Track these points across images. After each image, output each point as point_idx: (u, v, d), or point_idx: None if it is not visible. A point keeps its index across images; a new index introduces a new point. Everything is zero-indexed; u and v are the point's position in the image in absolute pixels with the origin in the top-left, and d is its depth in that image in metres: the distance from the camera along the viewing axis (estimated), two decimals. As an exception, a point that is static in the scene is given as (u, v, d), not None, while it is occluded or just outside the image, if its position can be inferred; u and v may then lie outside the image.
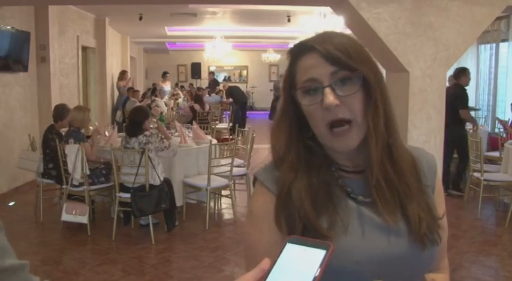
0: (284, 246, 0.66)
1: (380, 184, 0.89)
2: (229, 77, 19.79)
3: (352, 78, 0.86)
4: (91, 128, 5.62)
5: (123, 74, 10.53)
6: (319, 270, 0.61)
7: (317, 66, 0.87)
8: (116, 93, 10.51)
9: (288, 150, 0.93)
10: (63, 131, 5.03)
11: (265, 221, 0.91)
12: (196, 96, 10.60)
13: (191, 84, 16.37)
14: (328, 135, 0.88)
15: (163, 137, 4.58)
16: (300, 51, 0.91)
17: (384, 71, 4.25)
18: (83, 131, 4.96)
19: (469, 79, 6.23)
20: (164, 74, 13.75)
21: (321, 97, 0.86)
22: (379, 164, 0.89)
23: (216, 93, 13.67)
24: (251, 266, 0.93)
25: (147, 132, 4.41)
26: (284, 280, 0.62)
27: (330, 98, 0.85)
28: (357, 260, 0.85)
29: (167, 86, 13.25)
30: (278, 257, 0.65)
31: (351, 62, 0.86)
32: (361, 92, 0.87)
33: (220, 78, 18.86)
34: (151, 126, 4.63)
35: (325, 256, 0.63)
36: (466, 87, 6.19)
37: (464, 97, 6.05)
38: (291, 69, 0.92)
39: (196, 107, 9.94)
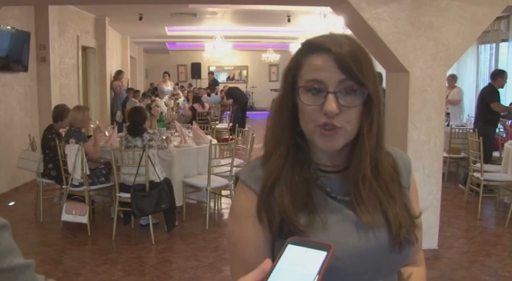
0: (285, 247, 0.66)
1: (361, 193, 0.91)
2: (232, 77, 19.74)
3: (356, 91, 0.87)
4: (92, 126, 5.62)
5: (118, 74, 10.53)
6: (320, 271, 0.61)
7: (327, 70, 0.87)
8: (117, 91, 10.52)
9: (279, 144, 0.94)
10: (63, 131, 5.03)
11: (248, 218, 0.93)
12: (194, 97, 10.61)
13: (190, 85, 16.36)
14: (316, 132, 0.89)
15: (164, 138, 4.63)
16: (312, 48, 0.90)
17: (383, 71, 4.25)
18: (83, 130, 4.95)
19: (504, 82, 6.30)
20: (164, 74, 13.78)
21: (322, 101, 0.86)
22: (363, 176, 0.91)
23: (216, 94, 13.67)
24: (235, 263, 0.96)
25: (150, 131, 4.53)
26: None
27: (332, 105, 0.85)
28: (336, 256, 0.85)
29: (168, 86, 13.26)
30: (279, 258, 0.65)
31: (361, 75, 0.86)
32: (361, 106, 0.88)
33: (222, 78, 18.85)
34: (163, 137, 4.70)
35: (326, 257, 0.63)
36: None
37: (491, 92, 6.17)
38: (297, 62, 0.92)
39: (196, 106, 9.95)
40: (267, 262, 0.65)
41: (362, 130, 0.89)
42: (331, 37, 0.91)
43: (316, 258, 0.63)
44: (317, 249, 0.65)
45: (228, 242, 1.00)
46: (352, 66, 0.86)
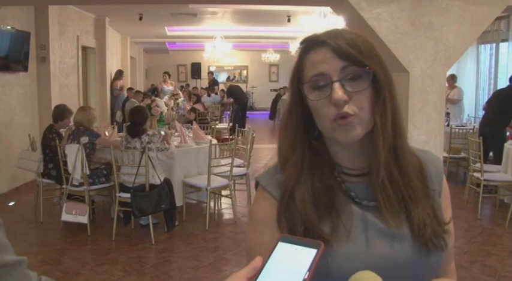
0: (276, 245, 0.67)
1: (385, 185, 0.87)
2: (233, 78, 19.71)
3: (362, 75, 0.85)
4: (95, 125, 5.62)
5: (120, 74, 10.52)
6: (310, 269, 0.62)
7: (327, 61, 0.85)
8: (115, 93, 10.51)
9: (293, 149, 0.91)
10: (63, 131, 5.03)
11: (267, 226, 0.90)
12: (197, 97, 10.59)
13: (187, 85, 16.32)
14: (332, 126, 0.86)
15: (163, 134, 4.62)
16: (309, 46, 0.89)
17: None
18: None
19: None
20: (164, 74, 13.78)
21: (329, 92, 0.84)
22: (385, 165, 0.87)
23: (216, 94, 13.66)
24: None
25: (149, 132, 4.46)
26: (275, 278, 0.63)
27: (339, 93, 0.83)
28: (360, 267, 0.82)
29: (168, 86, 13.24)
30: (270, 255, 0.66)
31: (362, 58, 0.85)
32: (370, 89, 0.86)
33: (222, 78, 18.84)
34: (162, 133, 4.68)
35: (316, 254, 0.64)
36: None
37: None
38: (300, 64, 0.91)
39: (198, 106, 9.96)
40: (258, 260, 0.66)
41: (375, 115, 0.86)
42: (326, 32, 0.90)
43: (306, 256, 0.64)
44: (307, 247, 0.66)
45: (246, 248, 0.98)
46: (351, 52, 0.84)
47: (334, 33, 0.88)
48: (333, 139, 0.89)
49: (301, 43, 0.92)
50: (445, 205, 0.96)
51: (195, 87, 14.63)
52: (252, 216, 0.97)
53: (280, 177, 0.92)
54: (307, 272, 0.62)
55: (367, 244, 0.86)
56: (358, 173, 0.91)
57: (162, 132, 4.71)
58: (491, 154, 6.22)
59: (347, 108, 0.84)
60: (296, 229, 0.86)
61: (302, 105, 0.90)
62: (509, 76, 6.39)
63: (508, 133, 6.61)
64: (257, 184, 0.96)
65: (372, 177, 0.89)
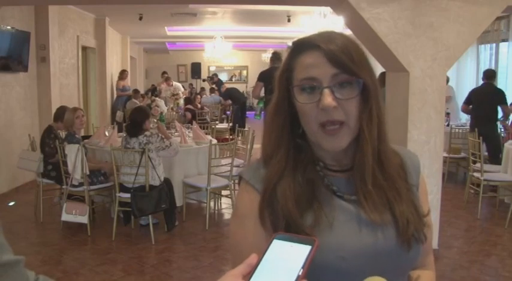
0: (271, 242, 0.68)
1: (368, 188, 0.89)
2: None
3: (352, 83, 0.86)
4: (93, 123, 5.58)
5: (123, 73, 10.51)
6: (304, 265, 0.63)
7: (319, 66, 0.86)
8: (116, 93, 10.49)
9: (278, 147, 0.93)
10: (62, 132, 5.03)
11: (250, 219, 0.91)
12: (186, 99, 10.61)
13: (191, 85, 16.30)
14: (319, 133, 0.88)
15: (163, 136, 4.58)
16: (302, 47, 0.90)
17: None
18: (77, 134, 4.84)
19: None
20: (163, 74, 13.75)
21: (318, 97, 0.85)
22: (369, 169, 0.89)
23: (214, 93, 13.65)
24: (237, 264, 0.94)
25: (147, 133, 4.41)
26: (270, 275, 0.64)
27: (328, 99, 0.84)
28: (342, 256, 0.85)
29: (169, 86, 13.20)
30: (265, 252, 0.67)
31: (354, 67, 0.86)
32: (358, 97, 0.87)
33: (223, 78, 18.80)
34: (151, 126, 4.63)
35: (311, 251, 0.65)
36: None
37: (504, 94, 6.20)
38: (289, 64, 0.91)
39: (192, 106, 9.98)
40: (253, 257, 0.66)
41: (362, 122, 0.88)
42: (320, 34, 0.90)
43: (301, 252, 0.65)
44: (302, 243, 0.66)
45: (230, 243, 0.99)
46: (344, 59, 0.85)
47: (327, 37, 0.88)
48: (318, 145, 0.90)
49: (294, 44, 0.93)
50: (423, 199, 1.00)
51: (193, 88, 14.58)
52: (236, 210, 0.98)
53: (263, 172, 0.93)
54: (302, 268, 0.62)
55: (349, 234, 0.88)
56: (341, 168, 0.93)
57: (151, 125, 4.61)
58: (486, 153, 6.23)
59: (336, 115, 0.85)
60: (278, 223, 0.88)
61: (289, 104, 0.91)
62: (508, 75, 6.43)
63: (502, 129, 6.63)
64: (240, 179, 0.98)
65: (353, 174, 0.91)
